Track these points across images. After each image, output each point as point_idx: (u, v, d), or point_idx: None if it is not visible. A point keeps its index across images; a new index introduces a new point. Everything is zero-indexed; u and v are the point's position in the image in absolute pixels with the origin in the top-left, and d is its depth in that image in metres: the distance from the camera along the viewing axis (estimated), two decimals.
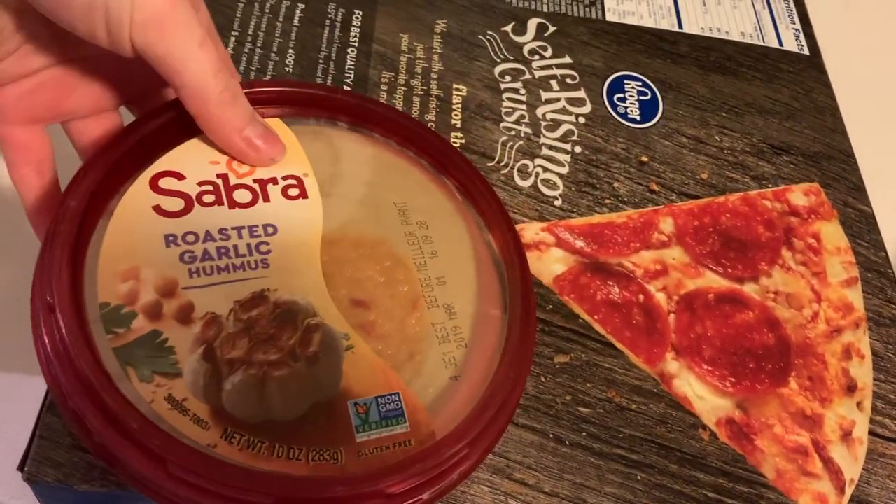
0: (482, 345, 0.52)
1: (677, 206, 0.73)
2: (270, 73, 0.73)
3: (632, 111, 0.79)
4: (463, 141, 0.73)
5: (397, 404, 0.47)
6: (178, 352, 0.45)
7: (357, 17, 0.80)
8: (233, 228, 0.50)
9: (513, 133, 0.74)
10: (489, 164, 0.72)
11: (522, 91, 0.78)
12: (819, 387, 0.65)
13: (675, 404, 0.63)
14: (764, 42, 0.89)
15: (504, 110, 0.76)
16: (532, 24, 0.84)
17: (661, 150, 0.77)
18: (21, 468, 0.52)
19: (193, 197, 0.51)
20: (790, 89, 0.85)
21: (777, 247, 0.72)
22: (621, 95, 0.80)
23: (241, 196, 0.52)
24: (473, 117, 0.75)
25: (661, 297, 0.67)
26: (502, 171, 0.72)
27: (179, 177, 0.51)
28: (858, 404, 0.65)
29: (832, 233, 0.74)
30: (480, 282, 0.54)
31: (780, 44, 0.89)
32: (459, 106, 0.75)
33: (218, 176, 0.52)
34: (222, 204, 0.51)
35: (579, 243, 0.69)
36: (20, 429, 0.53)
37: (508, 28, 0.83)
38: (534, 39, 0.83)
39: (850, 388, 0.66)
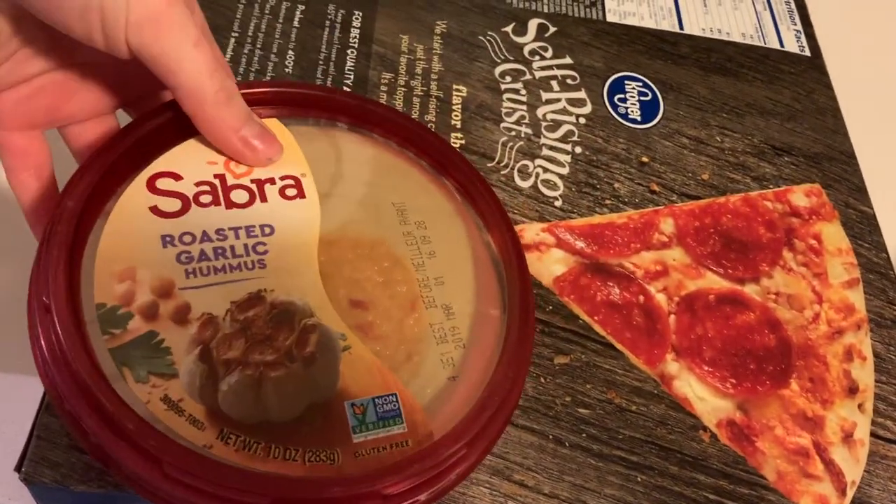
0: (480, 345, 0.51)
1: (678, 206, 0.73)
2: (270, 74, 0.73)
3: (632, 112, 0.79)
4: (463, 141, 0.73)
5: (394, 405, 0.47)
6: (175, 352, 0.45)
7: (357, 19, 0.80)
8: (230, 229, 0.50)
9: (513, 133, 0.74)
10: (489, 165, 0.72)
11: (523, 91, 0.78)
12: (820, 388, 0.65)
13: (675, 406, 0.62)
14: (765, 43, 0.89)
15: (504, 111, 0.76)
16: (532, 24, 0.84)
17: (662, 151, 0.77)
18: (18, 469, 0.52)
19: (190, 197, 0.51)
20: (791, 90, 0.85)
21: (778, 248, 0.72)
22: (622, 96, 0.80)
23: (239, 196, 0.52)
24: (473, 118, 0.75)
25: (661, 298, 0.67)
26: (502, 172, 0.72)
27: (176, 177, 0.51)
28: (860, 406, 0.65)
29: (833, 234, 0.74)
30: (479, 282, 0.54)
31: (781, 45, 0.89)
32: (459, 106, 0.75)
33: (215, 176, 0.52)
34: (219, 204, 0.51)
35: (579, 244, 0.69)
36: (17, 429, 0.54)
37: (509, 29, 0.83)
38: (534, 40, 0.83)
39: (852, 390, 0.65)
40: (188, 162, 0.52)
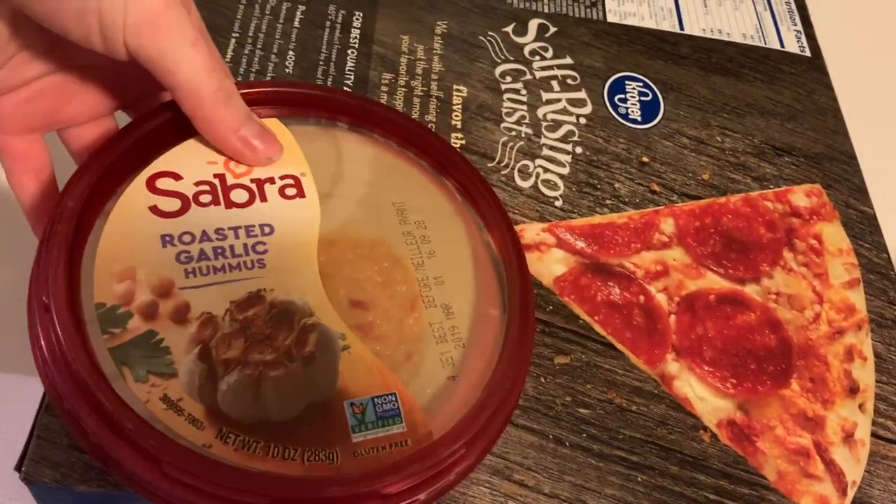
0: (480, 345, 0.51)
1: (678, 206, 0.73)
2: (270, 75, 0.74)
3: (633, 112, 0.79)
4: (463, 142, 0.73)
5: (394, 404, 0.47)
6: (174, 352, 0.45)
7: (357, 19, 0.80)
8: (229, 228, 0.50)
9: (513, 134, 0.74)
10: (490, 165, 0.72)
11: (523, 92, 0.78)
12: (821, 388, 0.65)
13: (675, 405, 0.62)
14: (765, 43, 0.89)
15: (505, 111, 0.76)
16: (533, 24, 0.84)
17: (663, 151, 0.77)
18: (18, 468, 0.52)
19: (190, 197, 0.51)
20: (791, 90, 0.85)
21: (778, 248, 0.72)
22: (622, 96, 0.80)
23: (238, 196, 0.52)
24: (474, 118, 0.75)
25: (661, 298, 0.67)
26: (503, 172, 0.72)
27: (176, 177, 0.51)
28: (860, 406, 0.65)
29: (834, 234, 0.74)
30: (479, 282, 0.54)
31: (782, 45, 0.89)
32: (460, 107, 0.75)
33: (215, 176, 0.52)
34: (219, 204, 0.51)
35: (580, 244, 0.69)
36: (18, 429, 0.54)
37: (509, 29, 0.83)
38: (535, 40, 0.83)
39: (852, 390, 0.65)
40: (188, 162, 0.52)
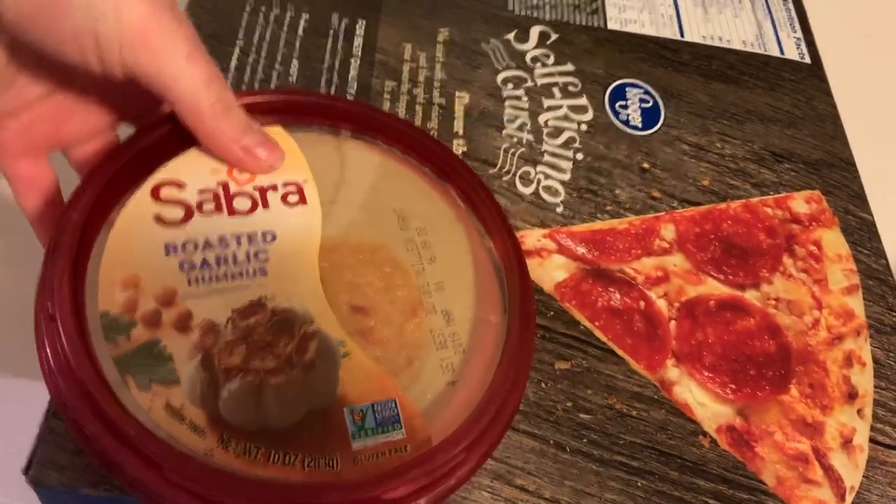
0: (480, 350, 0.52)
1: (679, 212, 0.73)
2: (275, 83, 0.74)
3: (633, 118, 0.79)
4: (465, 148, 0.73)
5: (393, 410, 0.48)
6: (176, 360, 0.46)
7: (360, 27, 0.80)
8: (232, 236, 0.51)
9: (515, 140, 0.75)
10: (491, 172, 0.72)
11: (524, 98, 0.78)
12: (820, 394, 0.65)
13: (675, 411, 0.63)
14: (765, 50, 0.89)
15: (506, 118, 0.76)
16: (534, 32, 0.84)
17: (663, 158, 0.77)
18: (26, 471, 0.52)
19: (193, 205, 0.51)
20: (791, 97, 0.85)
21: (778, 254, 0.72)
22: (623, 103, 0.80)
23: (241, 204, 0.52)
24: (476, 125, 0.75)
25: (662, 304, 0.67)
26: (504, 178, 0.72)
27: (180, 186, 0.52)
28: (859, 412, 0.65)
29: (833, 240, 0.74)
30: (479, 288, 0.55)
31: (782, 52, 0.89)
32: (462, 113, 0.76)
33: (218, 184, 0.53)
34: (222, 212, 0.52)
35: (581, 250, 0.69)
36: (25, 432, 0.54)
37: (511, 36, 0.84)
38: (536, 47, 0.83)
39: (851, 396, 0.66)
40: (191, 170, 0.53)
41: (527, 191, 0.72)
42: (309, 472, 0.44)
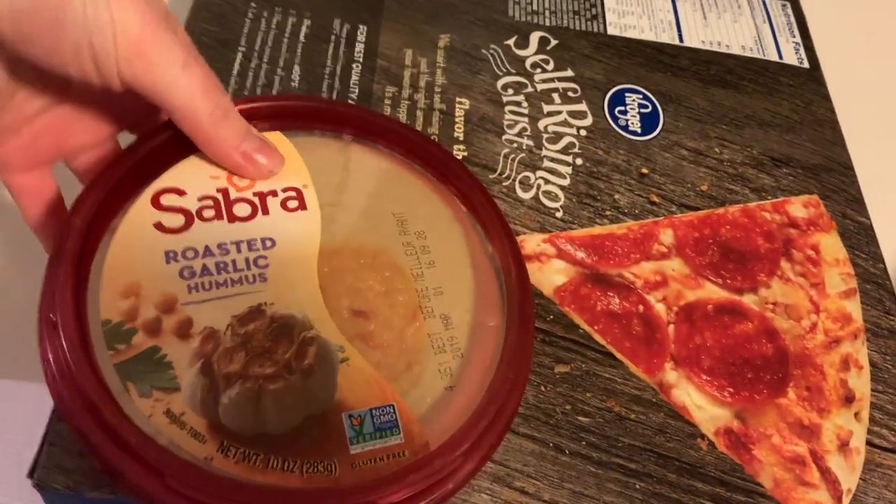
0: (479, 355, 0.52)
1: (677, 217, 0.73)
2: (277, 88, 0.74)
3: (633, 124, 0.79)
4: (465, 153, 0.73)
5: (391, 416, 0.48)
6: (177, 367, 0.46)
7: (362, 33, 0.81)
8: (232, 243, 0.51)
9: (515, 145, 0.75)
10: (491, 177, 0.72)
11: (524, 104, 0.78)
12: (817, 397, 0.65)
13: (673, 414, 0.63)
14: (764, 55, 0.89)
15: (506, 123, 0.77)
16: (534, 37, 0.85)
17: (662, 163, 0.77)
18: (31, 475, 0.53)
19: (194, 212, 0.52)
20: (790, 102, 0.85)
21: (776, 258, 0.72)
22: (622, 108, 0.80)
23: (241, 210, 0.53)
24: (476, 130, 0.75)
25: (660, 308, 0.68)
26: (504, 183, 0.72)
27: (180, 193, 0.52)
28: (856, 415, 0.65)
29: (831, 244, 0.74)
30: (478, 292, 0.55)
31: (781, 57, 0.89)
32: (462, 119, 0.76)
33: (218, 190, 0.53)
34: (222, 218, 0.52)
35: (580, 254, 0.69)
36: (31, 435, 0.54)
37: (511, 42, 0.84)
38: (536, 53, 0.83)
39: (848, 399, 0.66)
40: (191, 177, 0.53)
41: (526, 196, 0.72)
42: (307, 477, 0.45)
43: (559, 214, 0.71)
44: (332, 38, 0.80)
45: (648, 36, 0.88)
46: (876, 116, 0.98)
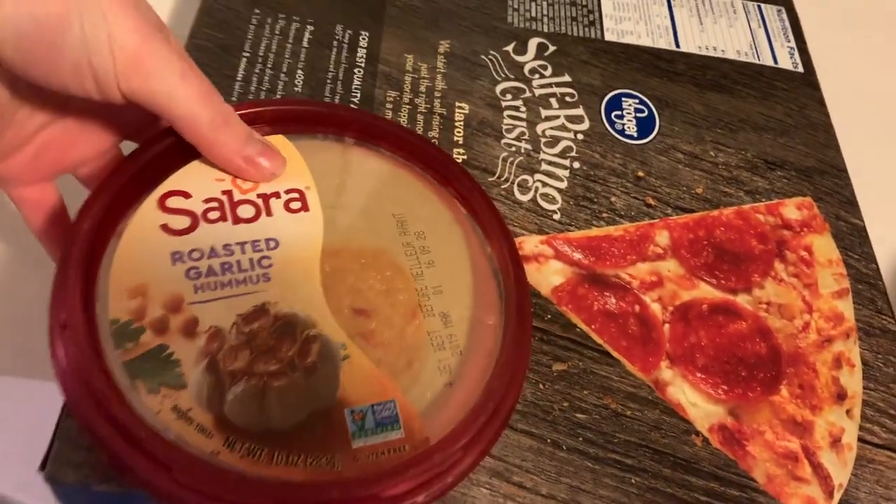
0: (477, 352, 0.53)
1: (673, 219, 0.74)
2: (280, 93, 0.75)
3: (629, 128, 0.80)
4: (465, 157, 0.74)
5: (392, 411, 0.49)
6: (184, 364, 0.47)
7: (363, 39, 0.81)
8: (236, 244, 0.52)
9: (513, 149, 0.76)
10: (490, 179, 0.73)
11: (523, 109, 0.79)
12: (810, 395, 0.66)
13: (668, 411, 0.64)
14: (759, 60, 0.90)
15: (505, 127, 0.77)
16: (532, 43, 0.85)
17: (658, 166, 0.78)
18: (42, 468, 0.53)
19: (199, 214, 0.53)
20: (784, 106, 0.86)
21: (770, 259, 0.73)
22: (619, 113, 0.81)
23: (245, 211, 0.54)
24: (475, 134, 0.76)
25: (656, 308, 0.68)
26: (503, 186, 0.73)
27: (186, 195, 0.53)
28: (848, 412, 0.66)
29: (824, 245, 0.75)
30: (477, 291, 0.56)
31: (775, 62, 0.90)
32: (462, 123, 0.77)
33: (223, 193, 0.54)
34: (226, 220, 0.53)
35: (577, 255, 0.70)
36: (41, 431, 0.55)
37: (510, 48, 0.85)
38: (534, 59, 0.84)
39: (840, 397, 0.67)
40: (196, 180, 0.54)
41: (525, 198, 0.73)
42: (311, 471, 0.46)
43: (557, 216, 0.72)
44: (335, 43, 0.80)
45: (645, 42, 0.89)
46: (870, 119, 0.98)
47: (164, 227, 0.52)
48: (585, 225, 0.72)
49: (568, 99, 0.81)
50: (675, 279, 0.70)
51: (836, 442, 0.64)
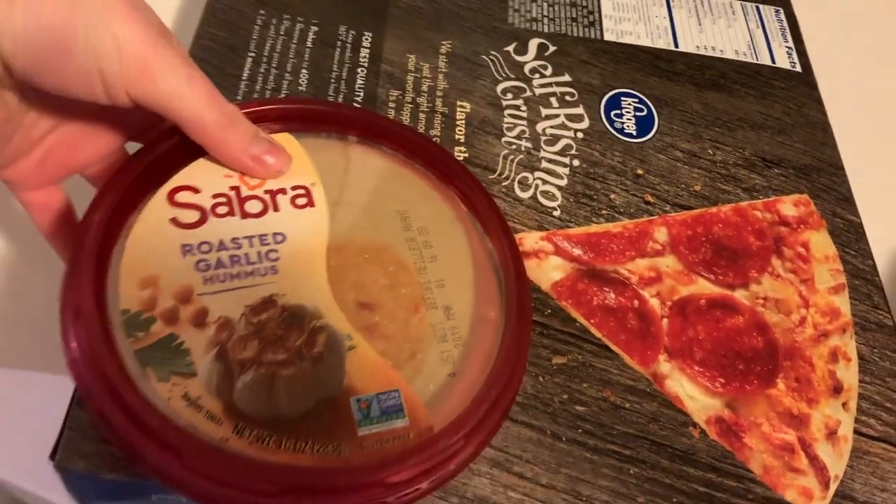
0: (479, 344, 0.54)
1: (671, 216, 0.75)
2: (285, 92, 0.76)
3: (628, 126, 0.81)
4: (466, 155, 0.75)
5: (397, 400, 0.50)
6: (194, 353, 0.48)
7: (367, 39, 0.82)
8: (244, 238, 0.53)
9: (514, 147, 0.76)
10: (491, 177, 0.74)
11: (523, 108, 0.80)
12: (806, 388, 0.67)
13: (667, 403, 0.64)
14: (757, 60, 0.90)
15: (505, 126, 0.78)
16: (533, 44, 0.86)
17: (656, 164, 0.79)
18: (52, 458, 0.54)
19: (208, 209, 0.54)
20: (782, 105, 0.87)
21: (767, 255, 0.74)
22: (618, 111, 0.82)
23: (253, 207, 0.55)
24: (476, 132, 0.77)
25: (654, 303, 0.69)
26: (503, 184, 0.74)
27: (195, 190, 0.54)
28: (844, 405, 0.67)
29: (820, 242, 0.76)
30: (478, 285, 0.57)
31: (773, 61, 0.91)
32: (463, 122, 0.77)
33: (231, 188, 0.55)
34: (234, 215, 0.54)
35: (577, 251, 0.71)
36: (51, 422, 0.56)
37: (510, 48, 0.85)
38: (535, 59, 0.85)
39: (836, 390, 0.67)
40: (205, 176, 0.55)
41: (525, 195, 0.73)
42: (318, 457, 0.47)
43: (557, 213, 0.73)
44: (339, 44, 0.81)
45: (644, 42, 0.90)
46: (867, 118, 0.99)
47: (174, 221, 0.53)
48: (585, 222, 0.73)
49: (568, 98, 0.82)
50: (673, 275, 0.71)
51: (832, 434, 0.65)
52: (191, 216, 0.53)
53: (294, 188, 0.57)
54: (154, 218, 0.53)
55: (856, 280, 0.75)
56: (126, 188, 0.53)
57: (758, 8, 0.97)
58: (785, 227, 0.76)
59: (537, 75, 0.83)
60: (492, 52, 0.84)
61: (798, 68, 0.91)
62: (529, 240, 0.71)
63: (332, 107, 0.64)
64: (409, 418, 0.50)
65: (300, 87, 0.77)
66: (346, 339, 0.51)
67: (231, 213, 0.54)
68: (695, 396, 0.65)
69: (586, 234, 0.72)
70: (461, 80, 0.81)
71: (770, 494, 0.62)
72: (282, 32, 0.80)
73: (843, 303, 0.72)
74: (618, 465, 0.61)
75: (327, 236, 0.55)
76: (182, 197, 0.54)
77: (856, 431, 0.66)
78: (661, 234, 0.73)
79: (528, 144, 0.77)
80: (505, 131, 0.78)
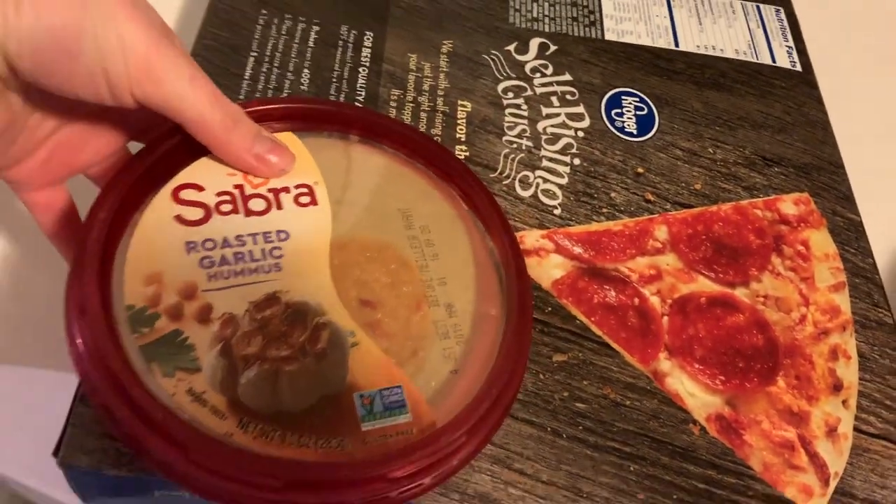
0: (480, 341, 0.55)
1: (672, 214, 0.75)
2: (287, 91, 0.76)
3: (629, 125, 0.81)
4: (467, 154, 0.75)
5: (399, 396, 0.50)
6: (198, 349, 0.48)
7: (368, 39, 0.82)
8: (248, 235, 0.54)
9: (515, 146, 0.77)
10: (492, 176, 0.74)
11: (524, 107, 0.80)
12: (806, 385, 0.67)
13: (667, 401, 0.65)
14: (757, 59, 0.91)
15: (506, 125, 0.78)
16: (534, 43, 0.86)
17: (657, 162, 0.79)
18: (55, 454, 0.54)
19: (212, 207, 0.54)
20: (782, 104, 0.87)
21: (767, 253, 0.74)
22: (619, 110, 0.82)
23: (256, 205, 0.55)
24: (477, 131, 0.77)
25: (655, 301, 0.69)
26: (504, 182, 0.74)
27: (199, 188, 0.55)
28: (844, 402, 0.67)
29: (821, 240, 0.76)
30: (480, 283, 0.58)
31: (774, 61, 0.91)
32: (464, 121, 0.77)
33: (235, 187, 0.55)
34: (238, 212, 0.54)
35: (577, 250, 0.71)
36: (55, 419, 0.56)
37: (511, 47, 0.85)
38: (535, 58, 0.85)
39: (836, 387, 0.67)
40: (209, 174, 0.56)
41: (526, 194, 0.74)
42: (321, 452, 0.47)
43: (557, 212, 0.73)
44: (340, 43, 0.81)
45: (645, 41, 0.90)
46: (867, 117, 0.99)
47: (178, 218, 0.53)
48: (585, 220, 0.73)
49: (569, 97, 0.82)
50: (673, 273, 0.71)
51: (832, 431, 0.65)
52: (195, 213, 0.54)
53: (297, 187, 0.57)
54: (158, 215, 0.53)
55: (856, 278, 0.75)
56: (130, 186, 0.53)
57: (758, 7, 0.97)
58: (785, 226, 0.76)
59: (538, 74, 0.83)
60: (493, 52, 0.85)
61: (798, 67, 0.91)
62: (530, 238, 0.71)
63: (334, 106, 0.64)
64: (412, 414, 0.50)
65: (302, 87, 0.77)
66: (349, 335, 0.51)
67: (235, 210, 0.54)
68: (695, 394, 0.65)
69: (587, 233, 0.72)
70: (462, 80, 0.81)
71: (770, 491, 0.62)
72: (284, 32, 0.81)
73: (843, 301, 0.73)
74: (618, 462, 0.62)
75: (330, 234, 0.56)
76: (186, 194, 0.54)
77: (856, 429, 0.66)
78: (661, 233, 0.73)
79: (529, 143, 0.77)
80: (506, 130, 0.78)
